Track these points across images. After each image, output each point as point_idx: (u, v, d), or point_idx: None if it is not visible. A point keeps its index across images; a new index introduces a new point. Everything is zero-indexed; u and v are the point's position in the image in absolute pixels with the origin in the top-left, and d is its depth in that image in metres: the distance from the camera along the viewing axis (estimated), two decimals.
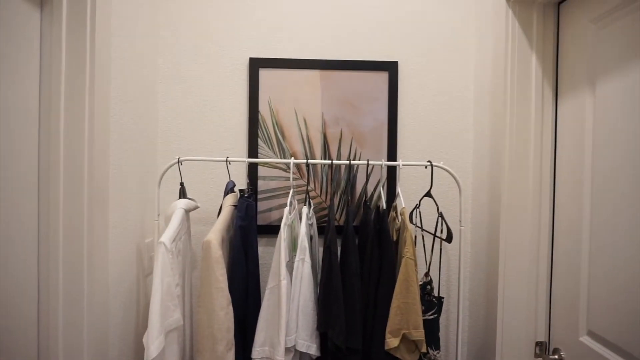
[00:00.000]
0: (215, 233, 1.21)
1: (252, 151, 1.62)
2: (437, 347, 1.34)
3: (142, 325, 1.47)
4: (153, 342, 1.12)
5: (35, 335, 1.11)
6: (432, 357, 1.34)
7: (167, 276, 1.18)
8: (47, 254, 1.10)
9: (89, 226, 1.13)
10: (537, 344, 1.45)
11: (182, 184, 1.42)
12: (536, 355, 1.45)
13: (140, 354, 1.44)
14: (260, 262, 1.41)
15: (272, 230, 1.61)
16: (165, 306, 1.18)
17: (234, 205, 1.35)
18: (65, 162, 1.10)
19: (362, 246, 1.31)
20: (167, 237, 1.20)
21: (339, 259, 1.26)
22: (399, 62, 1.64)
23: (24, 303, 1.06)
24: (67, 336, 1.13)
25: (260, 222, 1.62)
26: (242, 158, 1.57)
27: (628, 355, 1.08)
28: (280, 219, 1.33)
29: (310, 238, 1.36)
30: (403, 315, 1.17)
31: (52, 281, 1.10)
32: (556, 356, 1.37)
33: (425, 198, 1.43)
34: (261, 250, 1.58)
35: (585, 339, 1.25)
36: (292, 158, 1.47)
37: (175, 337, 1.25)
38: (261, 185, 1.63)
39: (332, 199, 1.45)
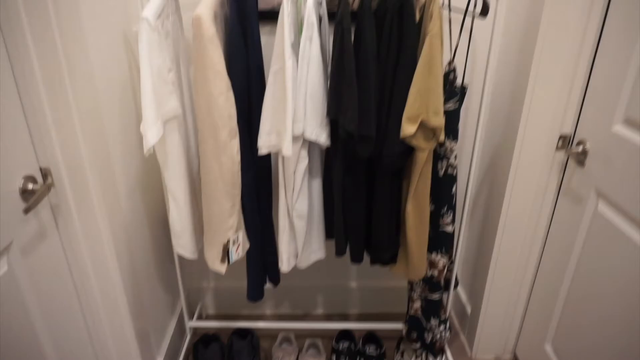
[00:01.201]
0: (205, 7, 1.02)
1: None
2: (455, 138, 1.26)
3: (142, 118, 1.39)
4: (150, 128, 1.04)
5: (29, 139, 1.03)
6: (449, 148, 1.26)
7: (155, 58, 1.03)
8: (16, 51, 0.95)
9: (56, 11, 0.95)
10: (561, 137, 1.36)
11: None
12: (558, 148, 1.37)
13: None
14: (264, 53, 1.24)
15: (275, 16, 1.39)
16: (159, 92, 1.06)
17: None
18: None
19: (380, 27, 1.12)
20: (149, 11, 1.01)
21: (352, 38, 1.08)
22: None
23: (7, 107, 0.95)
24: (60, 135, 1.06)
25: (260, 6, 1.40)
26: None
27: None
28: None
29: (319, 19, 1.16)
30: (423, 100, 1.05)
31: (29, 83, 0.99)
32: (580, 148, 1.29)
33: None
34: (264, 40, 1.40)
35: (619, 128, 1.15)
36: None
37: (176, 126, 1.17)
38: None
39: None
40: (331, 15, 1.29)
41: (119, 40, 1.27)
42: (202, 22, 1.00)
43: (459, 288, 1.99)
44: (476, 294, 1.76)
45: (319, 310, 2.07)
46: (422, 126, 1.09)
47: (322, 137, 1.14)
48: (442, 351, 1.71)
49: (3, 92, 0.94)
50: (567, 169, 1.39)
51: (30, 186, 1.04)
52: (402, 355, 1.72)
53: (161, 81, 1.06)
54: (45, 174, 1.10)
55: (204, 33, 1.01)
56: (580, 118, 1.32)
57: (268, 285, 1.55)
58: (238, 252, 1.26)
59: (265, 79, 1.18)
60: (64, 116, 1.05)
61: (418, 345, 1.70)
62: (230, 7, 1.11)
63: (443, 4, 1.27)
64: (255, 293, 1.47)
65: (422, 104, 1.06)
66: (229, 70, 1.08)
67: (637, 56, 1.07)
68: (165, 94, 1.09)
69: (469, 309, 1.86)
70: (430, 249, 1.44)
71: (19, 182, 1.01)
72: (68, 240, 1.19)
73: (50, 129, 1.05)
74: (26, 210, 1.00)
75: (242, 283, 1.48)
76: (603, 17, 1.19)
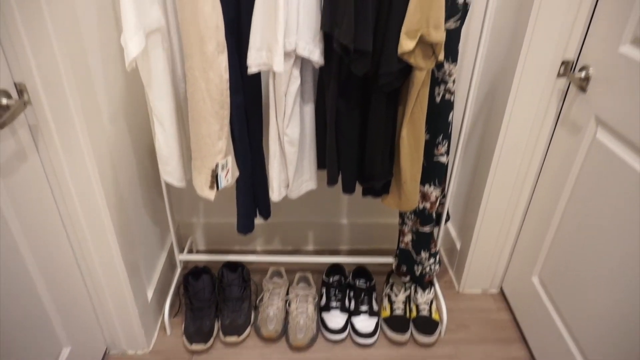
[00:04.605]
0: None
1: None
2: (455, 60, 1.20)
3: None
4: (131, 38, 0.97)
5: (5, 64, 0.96)
6: (448, 71, 1.21)
7: None
8: None
9: None
10: (564, 62, 1.31)
11: None
12: (559, 75, 1.33)
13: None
14: None
15: None
16: (139, 0, 0.98)
17: None
18: None
19: None
20: None
21: None
22: None
23: None
24: (35, 48, 0.98)
25: None
26: None
27: None
28: None
29: None
30: (423, 12, 0.99)
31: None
32: (582, 73, 1.25)
33: None
34: None
35: (626, 49, 1.10)
36: None
37: (159, 41, 1.10)
38: None
39: None
40: None
41: None
42: None
43: (449, 223, 2.00)
44: (466, 229, 1.76)
45: (310, 247, 2.07)
46: (422, 42, 1.03)
47: (315, 53, 1.08)
48: (430, 284, 1.73)
49: None
50: (567, 96, 1.35)
51: (4, 101, 0.98)
52: (391, 289, 1.74)
53: None
54: (20, 89, 1.03)
55: None
56: (585, 42, 1.26)
57: (258, 220, 1.53)
58: (227, 177, 1.22)
59: None
60: (37, 26, 0.97)
61: (407, 278, 1.72)
62: None
63: None
64: (245, 225, 1.45)
65: (422, 17, 0.99)
66: None
67: None
68: (147, 2, 1.01)
69: (458, 245, 1.87)
70: (424, 181, 1.42)
71: None
72: (49, 163, 1.14)
73: (23, 40, 0.97)
74: (0, 126, 0.94)
75: (233, 219, 1.45)
76: None
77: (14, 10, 0.93)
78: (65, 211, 1.22)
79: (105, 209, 1.24)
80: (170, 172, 1.30)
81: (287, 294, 1.71)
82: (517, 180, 1.53)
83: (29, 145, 1.09)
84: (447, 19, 1.13)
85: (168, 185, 1.48)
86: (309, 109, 1.25)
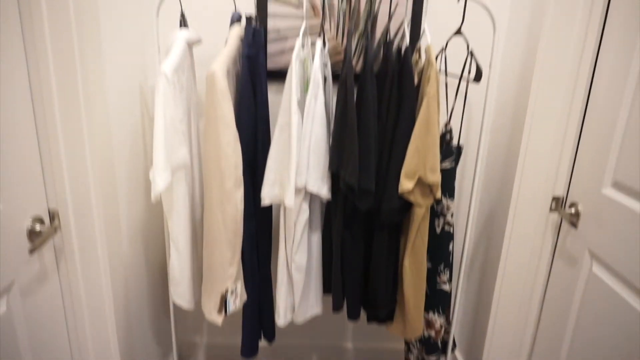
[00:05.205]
0: (219, 64, 1.10)
1: None
2: (452, 196, 1.30)
3: (149, 166, 1.44)
4: (159, 175, 1.08)
5: (42, 180, 1.07)
6: (446, 206, 1.30)
7: (169, 109, 1.10)
8: (39, 91, 1.01)
9: (81, 60, 1.03)
10: (554, 198, 1.41)
11: (182, 14, 1.27)
12: (552, 210, 1.41)
13: (149, 193, 1.43)
14: (270, 110, 1.32)
15: (283, 75, 1.49)
16: (170, 141, 1.12)
17: (240, 38, 1.22)
18: None
19: (381, 88, 1.20)
20: (167, 66, 1.09)
21: (355, 97, 1.16)
22: None
23: (24, 150, 1.00)
24: (72, 178, 1.10)
25: (270, 66, 1.50)
26: None
27: None
28: None
29: (324, 79, 1.24)
30: (420, 158, 1.11)
31: (50, 126, 1.04)
32: (572, 210, 1.33)
33: (449, 42, 1.28)
34: (271, 97, 1.48)
35: (609, 191, 1.19)
36: None
37: (183, 176, 1.22)
38: (271, 25, 1.47)
39: (350, 34, 1.29)
40: (335, 76, 1.38)
41: (135, 91, 1.35)
42: (216, 78, 1.08)
43: (457, 351, 1.95)
44: (474, 357, 1.72)
45: None
46: (420, 183, 1.13)
47: (323, 190, 1.18)
48: None
49: (22, 134, 0.99)
50: (561, 230, 1.42)
51: (37, 227, 1.06)
52: None
53: (173, 131, 1.12)
54: (53, 215, 1.12)
55: (217, 88, 1.08)
56: (572, 180, 1.37)
57: (262, 343, 1.52)
58: (236, 302, 1.26)
59: (271, 133, 1.24)
60: (77, 159, 1.09)
61: None
62: (242, 65, 1.20)
63: (440, 68, 1.36)
64: (249, 348, 1.44)
65: (419, 161, 1.11)
66: (238, 123, 1.14)
67: (622, 124, 1.13)
68: (176, 143, 1.14)
69: None
70: (427, 308, 1.44)
71: (27, 223, 1.03)
72: (67, 284, 1.20)
73: (63, 171, 1.08)
74: (31, 251, 1.02)
75: (235, 340, 1.46)
76: (589, 83, 1.27)
77: (58, 136, 1.05)
78: (74, 329, 1.24)
79: (113, 331, 1.26)
80: (181, 294, 1.34)
81: None
82: (521, 309, 1.54)
83: (52, 267, 1.15)
84: (442, 159, 1.25)
85: (175, 306, 1.51)
86: (316, 238, 1.33)
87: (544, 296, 1.52)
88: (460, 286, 1.53)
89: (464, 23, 1.25)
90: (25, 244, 1.02)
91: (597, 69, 1.24)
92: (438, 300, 1.43)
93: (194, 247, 1.35)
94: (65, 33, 1.01)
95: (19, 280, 1.01)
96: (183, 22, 1.27)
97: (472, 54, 1.21)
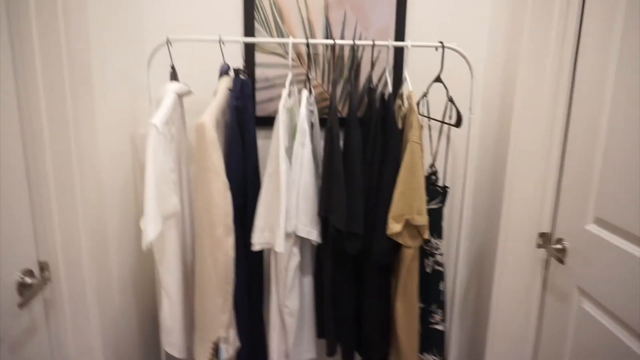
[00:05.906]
0: (208, 115, 1.14)
1: (249, 34, 1.49)
2: (440, 236, 1.32)
3: (141, 214, 1.45)
4: (150, 223, 1.10)
5: (32, 233, 1.08)
6: (435, 246, 1.32)
7: (160, 159, 1.13)
8: (32, 142, 1.04)
9: (74, 113, 1.06)
10: (541, 235, 1.43)
11: (172, 67, 1.32)
12: (539, 246, 1.43)
13: (140, 240, 1.43)
14: (260, 155, 1.35)
15: (272, 122, 1.53)
16: (161, 190, 1.14)
17: (229, 89, 1.26)
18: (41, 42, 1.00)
19: (366, 133, 1.24)
20: (158, 118, 1.13)
21: (341, 142, 1.19)
22: None
23: (15, 202, 1.01)
24: (63, 229, 1.10)
25: (258, 113, 1.55)
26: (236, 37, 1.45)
27: (636, 239, 1.06)
28: None
29: (312, 126, 1.28)
30: (407, 201, 1.13)
31: (41, 176, 1.05)
32: (559, 245, 1.36)
33: (432, 87, 1.33)
34: (260, 143, 1.52)
35: (592, 227, 1.22)
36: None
37: (174, 224, 1.23)
38: (259, 73, 1.53)
39: (334, 82, 1.35)
40: (322, 121, 1.43)
41: (125, 141, 1.37)
42: (205, 128, 1.11)
43: None
44: None
45: None
46: (408, 225, 1.16)
47: (313, 234, 1.20)
48: None
49: (13, 186, 1.00)
50: (550, 266, 1.44)
51: (27, 280, 1.06)
52: None
53: (164, 180, 1.14)
54: (42, 267, 1.12)
55: (207, 138, 1.11)
56: (557, 217, 1.40)
57: None
58: (229, 350, 1.25)
59: (261, 180, 1.27)
60: (68, 210, 1.10)
61: None
62: (231, 115, 1.24)
63: (423, 112, 1.41)
64: None
65: (405, 204, 1.13)
66: (228, 171, 1.16)
67: (599, 164, 1.17)
68: (167, 192, 1.16)
69: None
70: (422, 349, 1.43)
71: (17, 276, 1.02)
72: (56, 338, 1.18)
73: (54, 223, 1.09)
74: (21, 305, 1.01)
75: None
76: (566, 123, 1.32)
77: (49, 188, 1.06)
78: None
79: None
80: (173, 343, 1.32)
81: None
82: (515, 347, 1.54)
83: (41, 320, 1.14)
84: (429, 201, 1.28)
85: (167, 354, 1.49)
86: (308, 282, 1.34)
87: (538, 332, 1.52)
88: (453, 324, 1.52)
89: (442, 70, 1.31)
90: (15, 298, 1.01)
91: (572, 109, 1.29)
92: (432, 341, 1.43)
93: (186, 295, 1.34)
94: (58, 87, 1.04)
95: (8, 336, 1.00)
96: (173, 75, 1.32)
97: (451, 100, 1.26)
